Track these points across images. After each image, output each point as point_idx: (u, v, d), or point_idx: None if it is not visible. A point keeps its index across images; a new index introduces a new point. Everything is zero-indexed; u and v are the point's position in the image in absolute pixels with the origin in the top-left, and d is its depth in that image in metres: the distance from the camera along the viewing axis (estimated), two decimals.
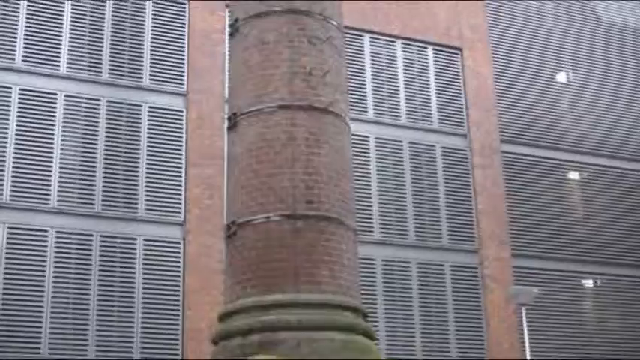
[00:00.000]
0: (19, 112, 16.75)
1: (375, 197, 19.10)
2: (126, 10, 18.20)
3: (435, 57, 20.79)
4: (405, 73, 20.35)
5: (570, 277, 20.58)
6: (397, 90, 20.13)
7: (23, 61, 17.07)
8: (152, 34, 18.28)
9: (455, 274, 19.33)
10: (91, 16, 17.88)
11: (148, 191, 17.25)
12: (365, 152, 19.26)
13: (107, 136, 17.25)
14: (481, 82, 20.90)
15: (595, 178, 21.71)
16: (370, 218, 18.87)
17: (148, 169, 17.36)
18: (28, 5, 17.44)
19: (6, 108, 16.70)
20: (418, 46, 20.70)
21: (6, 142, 16.47)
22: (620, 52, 23.21)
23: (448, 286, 19.21)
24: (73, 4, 17.78)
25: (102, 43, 17.76)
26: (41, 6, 17.53)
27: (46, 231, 16.30)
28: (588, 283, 20.93)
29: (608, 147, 22.09)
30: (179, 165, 17.60)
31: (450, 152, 20.23)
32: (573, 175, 21.56)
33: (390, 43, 20.42)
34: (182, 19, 18.58)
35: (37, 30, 17.35)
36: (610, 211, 21.53)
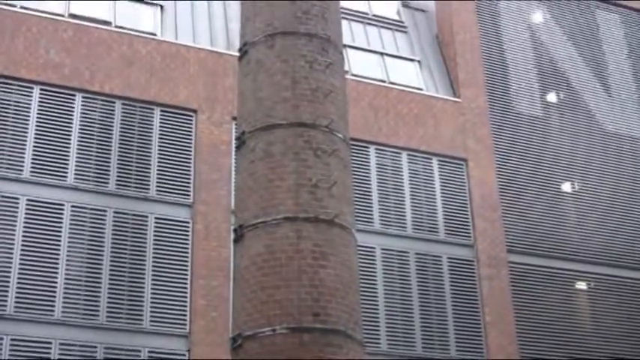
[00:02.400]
0: (25, 222, 16.78)
1: (381, 309, 18.94)
2: (133, 121, 18.42)
3: (440, 168, 20.92)
4: (411, 183, 20.45)
5: None
6: (403, 201, 20.19)
7: (31, 172, 17.19)
8: (159, 145, 18.45)
9: None
10: (99, 127, 18.08)
11: (153, 302, 17.14)
12: (371, 263, 19.18)
13: (113, 247, 17.23)
14: (486, 192, 20.97)
15: (603, 288, 21.55)
16: (377, 330, 18.68)
17: (153, 279, 17.28)
18: (37, 117, 17.65)
19: (13, 218, 16.74)
20: (423, 157, 20.84)
21: (12, 253, 16.45)
22: (624, 162, 23.33)
23: None
24: (81, 117, 17.99)
25: (109, 154, 17.91)
26: (50, 118, 17.74)
27: (49, 343, 16.14)
28: None
29: (616, 256, 22.00)
30: (184, 276, 17.53)
31: (456, 263, 20.15)
32: (581, 285, 21.41)
33: (396, 154, 20.57)
34: (189, 131, 18.77)
35: (46, 142, 17.52)
36: (618, 321, 21.31)
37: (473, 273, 20.15)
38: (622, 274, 21.91)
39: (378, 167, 20.28)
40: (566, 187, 22.28)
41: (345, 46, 19.58)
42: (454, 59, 22.39)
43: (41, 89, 17.92)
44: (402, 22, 23.48)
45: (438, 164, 20.93)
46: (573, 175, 22.50)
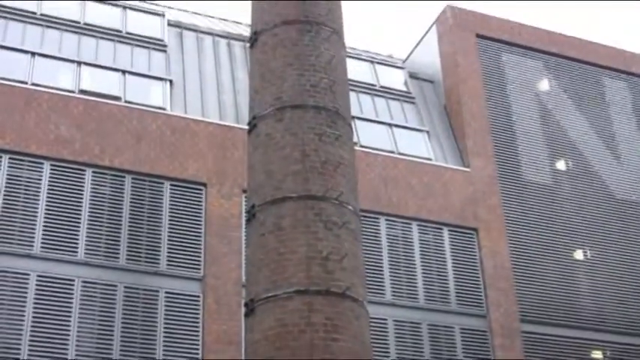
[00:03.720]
0: (35, 298, 16.71)
1: None
2: (143, 195, 18.45)
3: (451, 238, 20.84)
4: (422, 254, 20.36)
5: None
6: (414, 271, 20.09)
7: (41, 247, 17.18)
8: (169, 219, 18.45)
9: None
10: (109, 202, 18.11)
11: None
12: (384, 335, 19.01)
13: (123, 322, 17.12)
14: (498, 261, 20.86)
15: (618, 357, 21.28)
16: None
17: (164, 354, 17.13)
18: (48, 192, 17.71)
19: (23, 295, 16.67)
20: (434, 228, 20.79)
21: (22, 329, 16.36)
22: (636, 229, 23.23)
23: None
24: (91, 192, 18.04)
25: (119, 228, 17.91)
26: (60, 193, 17.79)
27: None
28: None
29: (631, 324, 21.77)
30: (196, 350, 17.38)
31: (469, 333, 19.95)
32: (597, 354, 21.15)
33: (406, 225, 20.52)
34: (199, 205, 18.79)
35: (56, 217, 17.54)
36: None
37: (486, 343, 19.94)
38: (638, 342, 21.65)
39: (389, 238, 20.22)
40: (579, 254, 22.14)
41: (353, 117, 19.72)
42: (462, 129, 22.48)
43: (52, 165, 18.00)
44: (409, 92, 23.63)
45: (449, 234, 20.86)
46: (585, 243, 22.38)
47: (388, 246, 20.11)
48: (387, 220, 20.37)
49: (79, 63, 19.82)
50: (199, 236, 18.46)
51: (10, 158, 17.74)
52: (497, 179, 22.08)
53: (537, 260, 21.54)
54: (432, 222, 20.80)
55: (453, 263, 20.58)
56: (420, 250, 20.40)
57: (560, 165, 23.26)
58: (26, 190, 17.65)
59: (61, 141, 18.21)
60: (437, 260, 20.48)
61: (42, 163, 17.96)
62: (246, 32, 23.08)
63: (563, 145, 23.61)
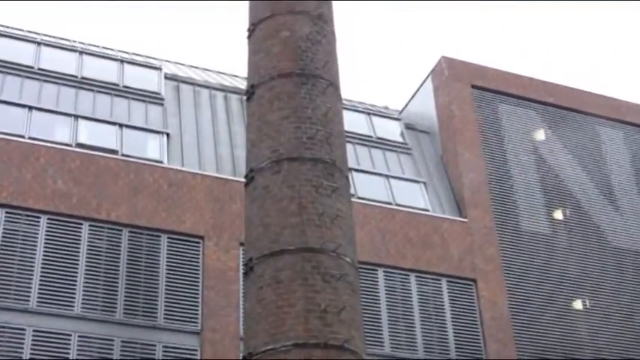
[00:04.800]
0: (32, 353, 16.57)
1: None
2: (140, 249, 18.40)
3: (450, 289, 20.77)
4: (420, 305, 20.27)
5: None
6: (413, 323, 19.98)
7: (38, 302, 17.08)
8: (167, 272, 18.37)
9: None
10: (106, 256, 18.05)
11: None
12: None
13: None
14: (497, 312, 20.76)
15: None
16: None
17: None
18: (45, 246, 17.65)
19: (19, 350, 16.55)
20: (432, 279, 20.72)
21: None
22: (635, 278, 23.16)
23: None
24: (88, 245, 17.99)
25: (117, 282, 17.83)
26: (57, 247, 17.73)
27: None
28: None
29: None
30: None
31: None
32: None
33: (404, 277, 20.46)
34: (196, 258, 18.72)
35: (53, 271, 17.46)
36: None
37: None
38: None
39: (387, 290, 20.14)
40: (578, 304, 22.05)
41: (350, 169, 19.75)
42: (459, 179, 22.52)
43: (49, 218, 17.97)
44: (406, 143, 23.70)
45: (447, 285, 20.79)
46: (584, 293, 22.30)
47: (386, 298, 20.02)
48: (385, 271, 20.31)
49: (76, 117, 19.89)
50: (197, 289, 18.37)
51: (6, 212, 17.72)
52: (495, 229, 22.07)
53: (536, 310, 21.44)
54: (430, 273, 20.73)
55: (452, 314, 20.48)
56: (419, 302, 20.31)
57: (558, 214, 23.26)
58: (23, 244, 17.59)
59: (58, 195, 18.21)
60: (436, 311, 20.38)
61: (39, 217, 17.93)
62: (243, 85, 23.20)
63: (560, 194, 23.63)
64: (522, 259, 22.05)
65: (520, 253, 22.14)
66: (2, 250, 17.34)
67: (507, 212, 22.63)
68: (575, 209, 23.56)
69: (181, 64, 25.25)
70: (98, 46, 23.45)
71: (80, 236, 18.07)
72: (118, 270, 18.00)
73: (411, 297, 20.29)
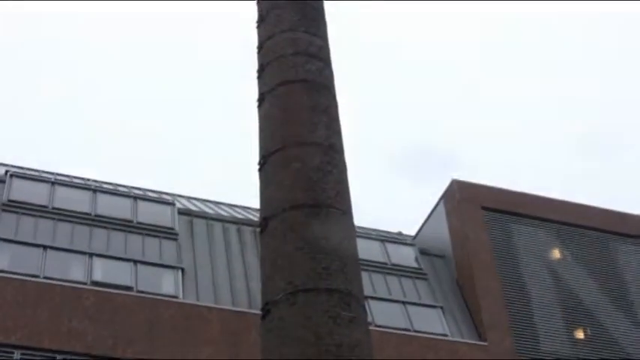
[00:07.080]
0: None
1: None
2: None
3: None
4: None
5: None
6: None
7: None
8: None
9: None
10: None
11: None
12: None
13: None
14: None
15: None
16: None
17: None
18: None
19: None
20: None
21: None
22: None
23: None
24: None
25: None
26: None
27: None
28: None
29: None
30: None
31: None
32: None
33: None
34: None
35: None
36: None
37: None
38: None
39: None
40: None
41: (366, 297, 19.63)
42: (477, 302, 22.34)
43: (64, 358, 17.81)
44: (421, 269, 23.61)
45: None
46: None
47: None
48: None
49: (91, 255, 19.94)
50: None
51: (22, 353, 17.59)
52: (516, 352, 21.76)
53: None
54: None
55: None
56: None
57: (578, 334, 22.96)
58: None
59: (74, 334, 18.10)
60: None
61: (54, 358, 17.78)
62: (255, 217, 23.30)
63: (579, 313, 23.38)
64: None
65: None
66: None
67: (527, 333, 22.36)
68: (595, 328, 23.26)
69: (194, 199, 25.45)
70: (111, 184, 23.73)
71: None
72: None
73: None
